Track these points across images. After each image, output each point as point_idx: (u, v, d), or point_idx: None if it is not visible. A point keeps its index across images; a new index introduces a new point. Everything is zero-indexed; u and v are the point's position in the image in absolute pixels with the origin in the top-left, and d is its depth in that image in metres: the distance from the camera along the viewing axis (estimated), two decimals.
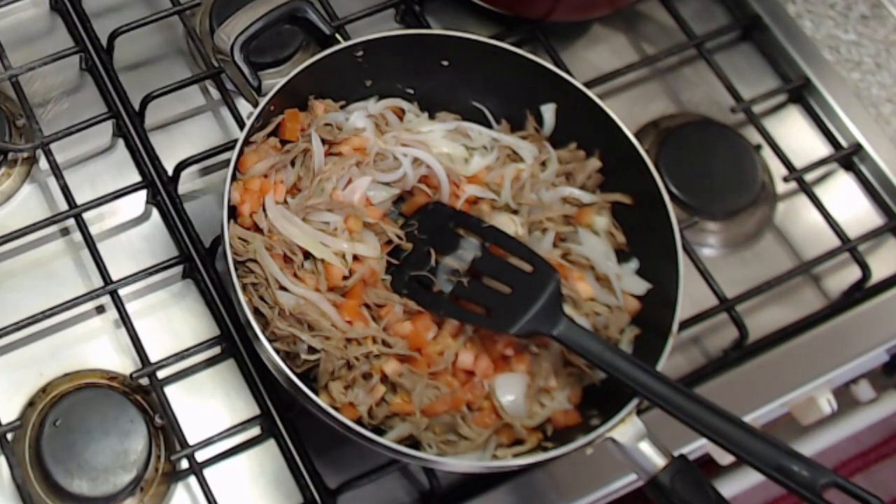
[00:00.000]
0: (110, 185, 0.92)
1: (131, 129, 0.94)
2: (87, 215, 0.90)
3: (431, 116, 0.89)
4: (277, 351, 0.76)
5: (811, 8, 1.11)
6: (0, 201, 0.92)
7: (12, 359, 0.86)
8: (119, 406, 0.82)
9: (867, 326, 0.95)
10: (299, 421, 0.84)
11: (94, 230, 0.90)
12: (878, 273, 0.97)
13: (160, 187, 0.92)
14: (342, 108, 0.87)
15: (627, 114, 0.98)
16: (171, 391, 0.85)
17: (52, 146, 0.91)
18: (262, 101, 0.82)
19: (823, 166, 1.02)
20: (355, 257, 0.81)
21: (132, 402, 0.83)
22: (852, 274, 0.97)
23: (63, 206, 0.90)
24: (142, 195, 0.92)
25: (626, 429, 0.75)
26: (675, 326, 0.79)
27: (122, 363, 0.87)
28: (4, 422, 0.82)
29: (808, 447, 1.06)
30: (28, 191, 0.93)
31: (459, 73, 0.88)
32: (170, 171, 0.91)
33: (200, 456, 0.83)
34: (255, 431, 0.85)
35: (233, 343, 0.87)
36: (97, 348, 0.87)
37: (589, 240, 0.85)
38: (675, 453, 0.74)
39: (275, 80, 0.83)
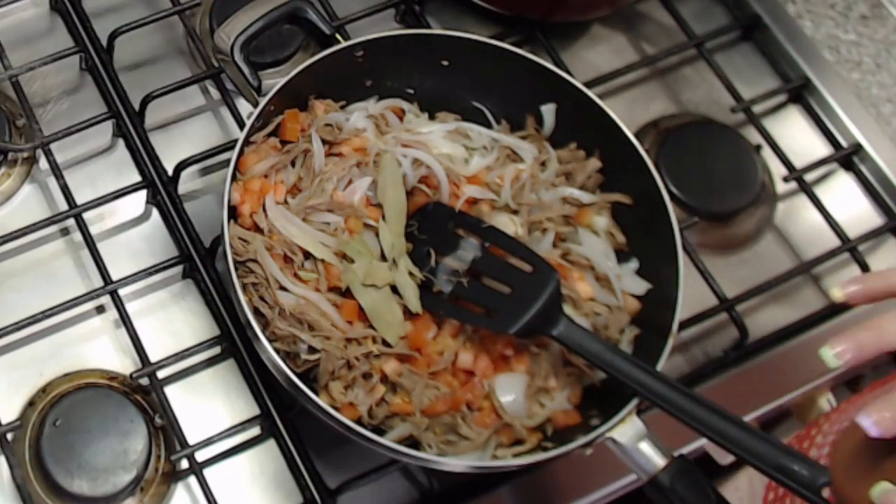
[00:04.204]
0: (110, 185, 0.92)
1: (131, 129, 0.94)
2: (87, 215, 0.90)
3: (431, 116, 0.89)
4: (277, 351, 0.76)
5: (811, 8, 1.11)
6: (0, 201, 0.92)
7: (12, 359, 0.86)
8: (119, 406, 0.82)
9: None
10: (299, 421, 0.84)
11: (94, 230, 0.90)
12: None
13: (160, 187, 0.92)
14: (342, 108, 0.87)
15: (627, 114, 0.98)
16: (171, 391, 0.85)
17: (52, 146, 0.92)
18: (262, 101, 0.82)
19: (823, 166, 1.02)
20: None
21: (132, 402, 0.83)
22: (852, 274, 0.97)
23: (63, 206, 0.90)
24: (142, 195, 0.92)
25: (626, 429, 0.75)
26: (675, 326, 0.79)
27: (122, 363, 0.87)
28: (4, 422, 0.82)
29: None
30: (28, 191, 0.93)
31: (459, 73, 0.88)
32: (170, 171, 0.91)
33: (200, 456, 0.83)
34: (255, 431, 0.85)
35: (233, 343, 0.87)
36: (97, 348, 0.87)
37: (589, 240, 0.85)
38: (675, 453, 0.74)
39: (275, 80, 0.83)
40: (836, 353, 0.63)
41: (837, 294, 0.66)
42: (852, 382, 1.00)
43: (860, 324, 0.64)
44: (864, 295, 0.66)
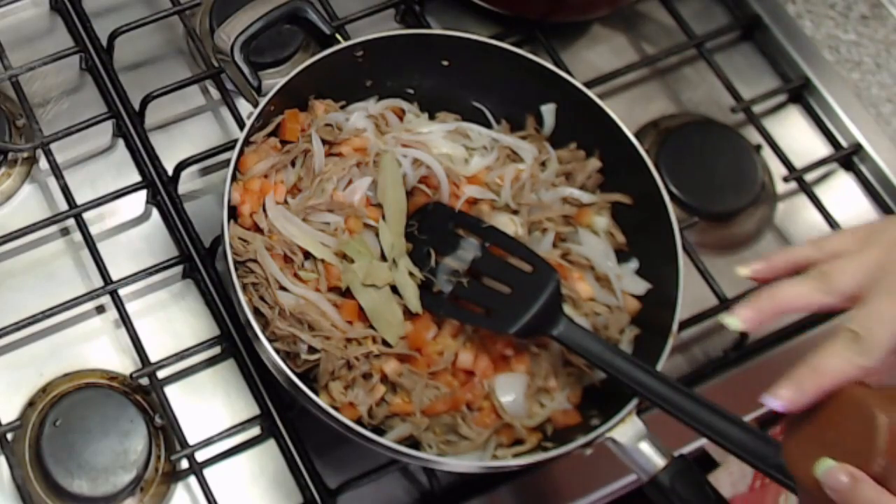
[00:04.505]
0: (110, 185, 0.92)
1: (131, 129, 0.94)
2: (87, 215, 0.90)
3: (431, 116, 0.89)
4: (277, 351, 0.76)
5: (811, 8, 1.11)
6: (0, 201, 0.92)
7: (12, 359, 0.86)
8: (119, 406, 0.82)
9: None
10: (299, 421, 0.84)
11: (94, 230, 0.90)
12: None
13: (160, 187, 0.92)
14: (342, 108, 0.87)
15: (627, 114, 0.98)
16: (171, 391, 0.85)
17: (52, 146, 0.92)
18: (262, 101, 0.82)
19: (823, 166, 1.02)
20: None
21: (132, 402, 0.83)
22: None
23: (63, 206, 0.90)
24: (142, 195, 0.92)
25: (626, 429, 0.75)
26: (675, 326, 0.79)
27: (122, 363, 0.87)
28: (4, 422, 0.82)
29: None
30: (28, 191, 0.93)
31: (459, 73, 0.88)
32: (170, 171, 0.91)
33: (200, 456, 0.83)
34: (255, 431, 0.85)
35: (233, 343, 0.87)
36: (97, 348, 0.87)
37: (589, 240, 0.85)
38: (675, 453, 0.74)
39: (275, 80, 0.84)
40: (737, 318, 0.67)
41: (744, 272, 0.69)
42: None
43: (758, 292, 0.68)
44: (769, 270, 0.69)
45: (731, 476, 0.92)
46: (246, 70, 0.84)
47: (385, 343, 0.79)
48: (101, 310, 0.89)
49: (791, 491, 0.68)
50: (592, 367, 0.79)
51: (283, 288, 0.79)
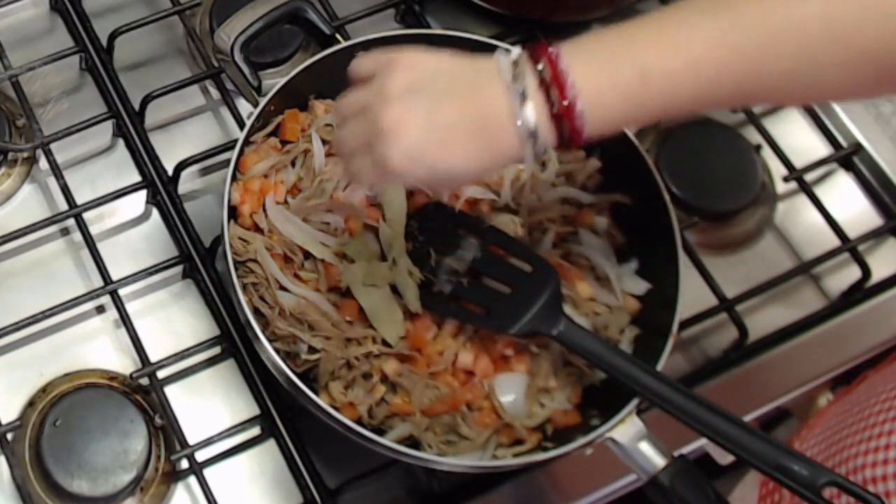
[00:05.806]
0: (110, 185, 0.92)
1: (131, 129, 0.94)
2: (87, 215, 0.90)
3: None
4: (277, 351, 0.76)
5: None
6: (0, 201, 0.92)
7: (12, 359, 0.86)
8: (119, 406, 0.82)
9: (867, 326, 0.95)
10: (299, 421, 0.84)
11: (94, 230, 0.90)
12: (878, 273, 0.97)
13: (160, 187, 0.92)
14: None
15: None
16: (171, 391, 0.85)
17: (52, 146, 0.92)
18: (262, 101, 0.82)
19: (823, 166, 1.02)
20: None
21: (132, 402, 0.83)
22: (852, 274, 0.97)
23: (63, 206, 0.90)
24: (142, 195, 0.92)
25: (626, 429, 0.75)
26: (675, 326, 0.79)
27: (122, 363, 0.87)
28: (4, 422, 0.82)
29: None
30: (28, 191, 0.93)
31: None
32: (170, 171, 0.91)
33: (200, 456, 0.83)
34: (255, 431, 0.85)
35: (233, 343, 0.87)
36: (97, 348, 0.87)
37: (589, 240, 0.85)
38: (675, 453, 0.74)
39: (275, 80, 0.84)
40: None
41: None
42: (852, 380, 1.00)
43: None
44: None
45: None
46: (246, 70, 0.84)
47: (385, 343, 0.79)
48: (101, 310, 0.89)
49: (796, 493, 0.69)
50: (592, 367, 0.79)
51: (283, 288, 0.79)
